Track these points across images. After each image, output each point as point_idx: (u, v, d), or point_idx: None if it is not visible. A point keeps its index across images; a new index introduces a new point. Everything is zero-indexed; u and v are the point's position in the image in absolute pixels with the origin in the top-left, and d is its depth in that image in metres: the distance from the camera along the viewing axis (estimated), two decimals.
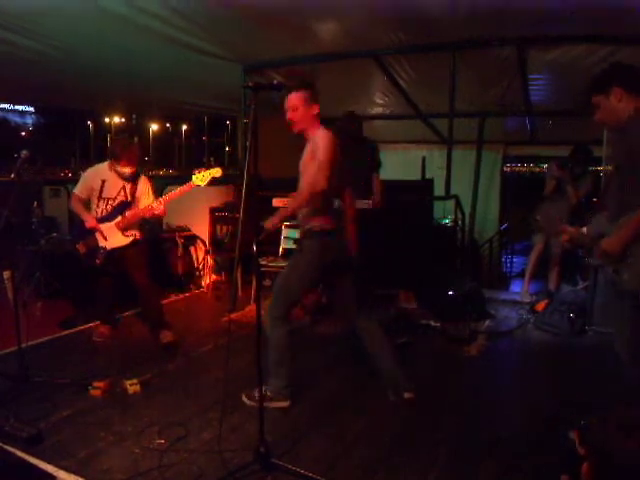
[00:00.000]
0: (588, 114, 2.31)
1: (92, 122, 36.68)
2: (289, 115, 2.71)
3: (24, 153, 3.01)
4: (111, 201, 3.72)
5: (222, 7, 3.72)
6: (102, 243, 3.71)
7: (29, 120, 36.17)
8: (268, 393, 2.73)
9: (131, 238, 3.73)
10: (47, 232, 5.18)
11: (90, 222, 3.68)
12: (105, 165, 3.77)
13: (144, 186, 3.79)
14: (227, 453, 2.34)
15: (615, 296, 2.34)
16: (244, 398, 2.84)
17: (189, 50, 4.48)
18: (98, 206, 3.74)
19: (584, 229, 2.43)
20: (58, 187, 6.23)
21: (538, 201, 5.09)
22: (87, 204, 3.77)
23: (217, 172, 3.53)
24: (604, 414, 1.99)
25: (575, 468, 1.96)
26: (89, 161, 35.74)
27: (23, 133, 35.44)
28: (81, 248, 3.75)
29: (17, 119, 35.48)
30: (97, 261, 3.70)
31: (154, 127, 38.19)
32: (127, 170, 3.68)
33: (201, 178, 3.51)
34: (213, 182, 3.60)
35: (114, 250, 3.71)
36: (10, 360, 3.17)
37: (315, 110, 2.71)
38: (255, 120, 2.16)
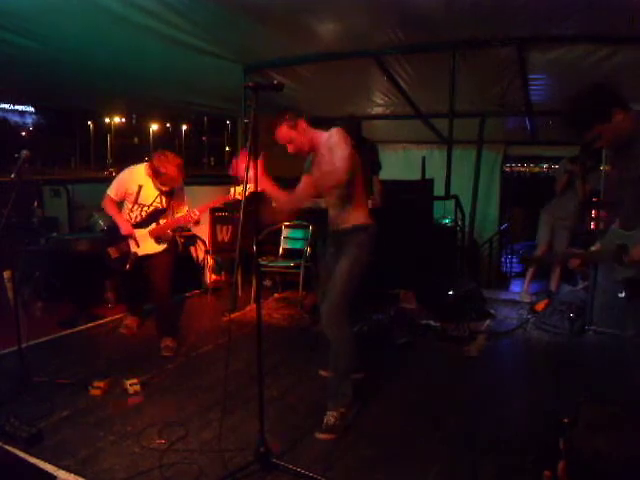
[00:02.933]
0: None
1: (92, 122, 36.74)
2: (290, 149, 2.72)
3: (24, 153, 3.02)
4: (146, 208, 3.63)
5: (222, 6, 3.72)
6: (134, 249, 3.65)
7: (29, 120, 36.23)
8: (341, 410, 2.65)
9: (164, 246, 3.64)
10: (47, 232, 5.18)
11: (127, 229, 3.61)
12: (142, 168, 3.65)
13: (179, 193, 3.71)
14: (227, 453, 2.34)
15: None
16: (320, 435, 2.56)
17: (189, 50, 4.48)
18: (132, 211, 3.66)
19: (593, 247, 2.40)
20: (58, 187, 6.22)
21: (551, 198, 5.07)
22: (120, 205, 3.72)
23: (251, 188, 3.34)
24: (577, 412, 1.99)
25: (556, 464, 1.96)
26: (89, 161, 35.86)
27: (23, 133, 35.47)
28: (113, 252, 3.69)
29: (17, 119, 35.53)
30: (127, 267, 3.64)
31: (154, 127, 38.24)
32: (165, 188, 3.61)
33: (240, 192, 3.29)
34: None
35: (144, 257, 3.65)
36: (10, 360, 3.17)
37: (302, 124, 2.67)
38: (255, 120, 2.16)
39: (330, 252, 2.88)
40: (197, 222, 3.69)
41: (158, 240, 3.63)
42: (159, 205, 3.64)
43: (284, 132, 2.66)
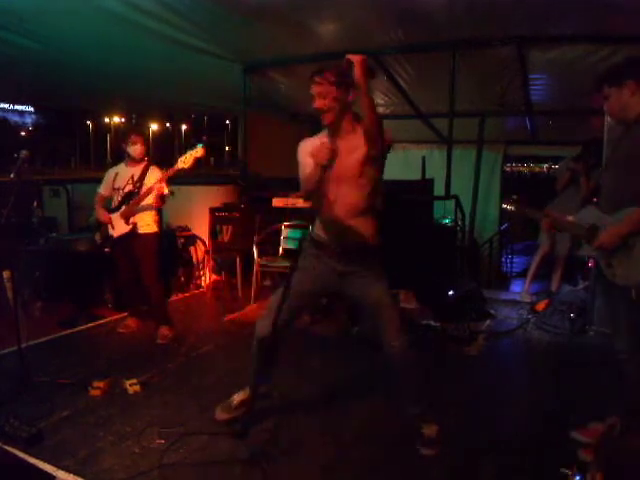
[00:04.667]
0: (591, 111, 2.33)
1: (92, 122, 36.72)
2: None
3: (24, 153, 3.02)
4: (121, 191, 3.87)
5: (222, 6, 3.72)
6: (110, 232, 3.89)
7: (29, 120, 36.19)
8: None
9: (130, 227, 3.80)
10: (47, 232, 5.18)
11: (101, 216, 3.90)
12: (122, 162, 3.99)
13: (153, 175, 3.82)
14: (227, 453, 2.34)
15: (607, 291, 2.35)
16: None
17: (189, 50, 4.49)
18: (113, 198, 3.92)
19: (570, 217, 2.44)
20: (58, 187, 6.22)
21: (552, 197, 5.05)
22: (110, 202, 3.95)
23: (198, 152, 3.53)
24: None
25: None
26: (89, 161, 35.84)
27: (23, 133, 35.44)
28: (97, 238, 4.01)
29: (17, 119, 35.50)
30: (106, 249, 3.92)
31: (154, 127, 38.21)
32: (138, 146, 3.83)
33: (184, 160, 3.54)
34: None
35: (121, 239, 3.84)
36: (10, 360, 3.17)
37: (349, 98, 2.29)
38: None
39: (337, 269, 2.44)
40: (154, 203, 3.76)
41: (127, 220, 3.81)
42: (131, 187, 3.84)
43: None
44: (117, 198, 3.88)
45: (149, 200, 3.75)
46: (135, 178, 3.84)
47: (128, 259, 3.90)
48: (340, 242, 2.41)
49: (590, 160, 4.70)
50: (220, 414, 2.66)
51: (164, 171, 3.82)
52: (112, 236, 3.88)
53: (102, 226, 3.95)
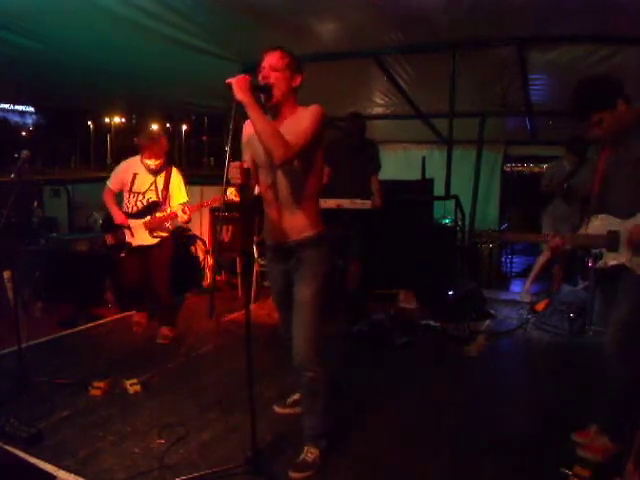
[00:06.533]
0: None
1: (92, 122, 36.69)
2: (265, 73, 2.13)
3: (24, 153, 3.02)
4: (141, 196, 3.75)
5: (222, 6, 3.72)
6: (129, 239, 3.78)
7: (29, 120, 36.16)
8: (322, 446, 2.35)
9: (158, 239, 3.75)
10: (47, 232, 5.18)
11: (119, 218, 3.75)
12: (137, 158, 3.80)
13: (175, 180, 3.78)
14: (227, 453, 2.35)
15: (610, 291, 2.35)
16: (294, 474, 2.23)
17: (189, 50, 4.48)
18: (129, 200, 3.80)
19: (581, 231, 2.43)
20: (58, 187, 6.22)
21: (549, 198, 5.02)
22: (119, 197, 3.87)
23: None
24: None
25: None
26: (89, 161, 35.82)
27: (23, 133, 35.43)
28: (109, 240, 3.84)
29: (17, 119, 35.48)
30: (121, 254, 3.77)
31: (154, 127, 38.13)
32: (152, 163, 3.73)
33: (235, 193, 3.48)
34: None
35: (139, 247, 3.77)
36: (10, 360, 3.17)
37: (297, 82, 2.16)
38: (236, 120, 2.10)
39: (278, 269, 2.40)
40: (187, 221, 3.78)
41: (152, 232, 3.73)
42: (154, 195, 3.74)
43: (278, 58, 2.12)
44: (137, 203, 3.76)
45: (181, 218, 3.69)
46: (160, 187, 3.73)
47: (141, 264, 3.81)
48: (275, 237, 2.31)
49: (570, 175, 4.64)
50: (279, 409, 2.80)
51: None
52: (130, 244, 3.76)
53: (116, 229, 3.79)
